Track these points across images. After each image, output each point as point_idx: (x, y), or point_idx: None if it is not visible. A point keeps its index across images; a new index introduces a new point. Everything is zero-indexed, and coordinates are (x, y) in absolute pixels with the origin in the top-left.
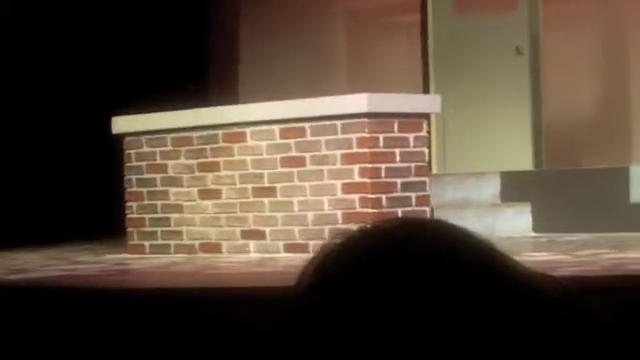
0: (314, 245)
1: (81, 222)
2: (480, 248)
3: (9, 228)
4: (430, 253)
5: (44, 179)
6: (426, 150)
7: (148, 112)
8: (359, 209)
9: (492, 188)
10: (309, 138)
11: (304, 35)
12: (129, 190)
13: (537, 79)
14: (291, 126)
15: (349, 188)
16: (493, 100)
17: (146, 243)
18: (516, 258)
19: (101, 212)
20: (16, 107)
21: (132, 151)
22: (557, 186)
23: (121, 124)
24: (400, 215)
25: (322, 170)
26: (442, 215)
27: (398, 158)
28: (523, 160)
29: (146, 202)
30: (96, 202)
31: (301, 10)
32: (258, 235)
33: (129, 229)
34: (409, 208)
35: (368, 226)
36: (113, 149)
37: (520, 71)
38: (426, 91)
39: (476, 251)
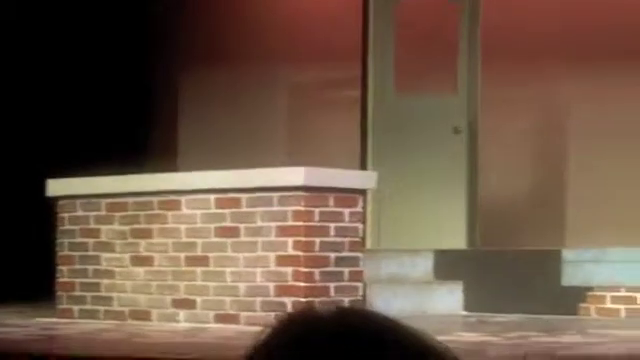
0: (245, 316)
1: (15, 284)
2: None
3: None
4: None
5: None
6: (361, 226)
7: (84, 176)
8: (292, 282)
9: (425, 265)
10: (245, 209)
11: (245, 106)
12: (61, 254)
13: (474, 159)
14: (227, 196)
15: (283, 261)
16: (430, 178)
17: (75, 308)
18: (446, 338)
19: (35, 274)
20: None
21: (65, 214)
22: (489, 266)
23: (55, 187)
24: (334, 291)
25: (256, 241)
26: (375, 290)
27: (333, 232)
28: (457, 238)
29: (77, 266)
30: (31, 264)
31: (243, 81)
32: (189, 304)
33: (59, 293)
34: (342, 283)
35: (306, 313)
36: (49, 211)
37: (457, 151)
38: (364, 167)
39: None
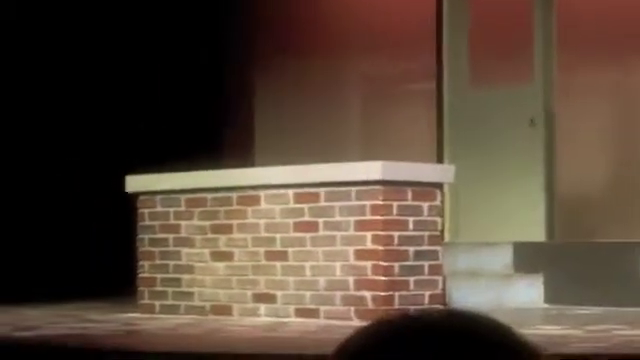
0: (325, 310)
1: (95, 279)
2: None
3: (21, 283)
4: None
5: (57, 234)
6: (439, 219)
7: (162, 172)
8: (371, 276)
9: (504, 258)
10: (323, 203)
11: (319, 100)
12: (141, 249)
13: (551, 151)
14: (305, 191)
15: (362, 255)
16: (507, 170)
17: (157, 303)
18: (527, 331)
19: (115, 270)
20: (32, 161)
21: (145, 210)
22: (569, 258)
23: (135, 183)
24: (413, 285)
25: (335, 236)
26: (454, 284)
27: (411, 226)
28: (536, 231)
29: (158, 262)
30: (110, 260)
31: (316, 75)
32: (269, 299)
33: (140, 288)
34: (422, 277)
35: (411, 315)
36: (129, 207)
37: (534, 142)
38: (440, 160)
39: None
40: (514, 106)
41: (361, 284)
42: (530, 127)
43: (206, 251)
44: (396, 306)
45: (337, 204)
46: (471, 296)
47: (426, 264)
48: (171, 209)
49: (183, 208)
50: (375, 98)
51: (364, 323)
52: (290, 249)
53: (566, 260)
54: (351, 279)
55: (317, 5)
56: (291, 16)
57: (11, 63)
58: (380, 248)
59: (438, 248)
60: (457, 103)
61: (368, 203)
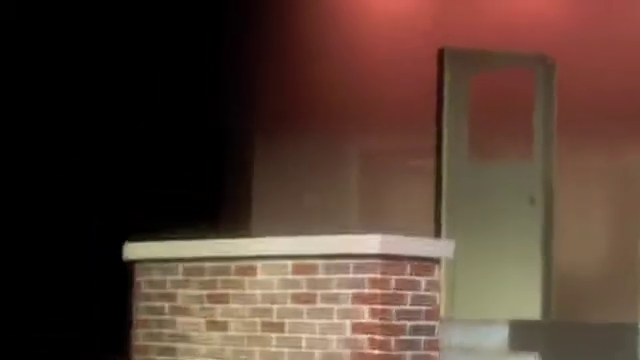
0: None
1: (92, 346)
2: None
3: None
4: None
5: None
6: (437, 294)
7: (160, 238)
8: (368, 350)
9: (500, 336)
10: (320, 276)
11: (317, 175)
12: (137, 317)
13: (549, 229)
14: (303, 262)
15: (358, 328)
16: (504, 247)
17: None
18: None
19: (113, 337)
20: (31, 227)
21: (142, 278)
22: (565, 337)
23: (133, 250)
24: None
25: (332, 308)
26: None
27: (409, 301)
28: (532, 309)
29: (154, 330)
30: (107, 326)
31: (314, 151)
32: None
33: (135, 357)
34: (418, 352)
35: None
36: (126, 275)
37: (533, 220)
38: (437, 235)
39: None
40: (514, 183)
41: (357, 358)
42: (529, 204)
43: (202, 320)
44: None
45: (335, 276)
46: None
47: (423, 339)
48: (168, 277)
49: (180, 277)
50: (374, 172)
51: None
52: (286, 320)
53: (561, 339)
54: (347, 352)
55: (317, 81)
56: (292, 91)
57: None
58: (377, 322)
59: (435, 323)
60: (456, 178)
61: (366, 276)
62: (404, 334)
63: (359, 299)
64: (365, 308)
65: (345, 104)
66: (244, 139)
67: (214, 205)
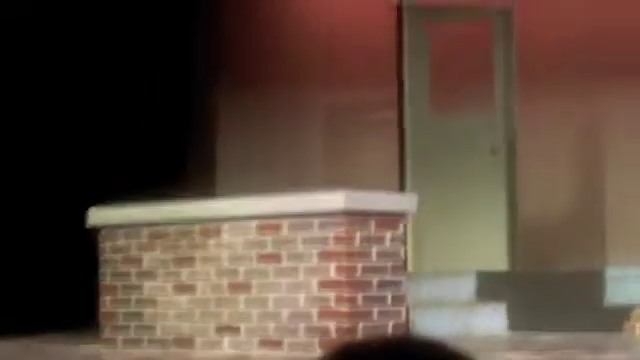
0: (289, 342)
1: (62, 312)
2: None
3: None
4: None
5: (18, 266)
6: (402, 249)
7: (124, 203)
8: (335, 307)
9: (468, 287)
10: (285, 235)
11: (281, 128)
12: (103, 283)
13: (513, 179)
14: (268, 222)
15: (325, 286)
16: (469, 199)
17: (119, 337)
18: (491, 358)
19: (81, 302)
20: None
21: (107, 244)
22: (532, 286)
23: (97, 216)
24: (377, 316)
25: (298, 267)
26: (418, 313)
27: (374, 257)
28: (499, 259)
29: (120, 296)
30: (77, 292)
31: (278, 107)
32: (232, 331)
33: (102, 322)
34: (385, 307)
35: (358, 344)
36: (91, 240)
37: (496, 170)
38: (402, 189)
39: None
40: (476, 135)
41: (325, 315)
42: (491, 155)
43: (169, 284)
44: (360, 337)
45: (300, 235)
46: (435, 325)
47: (389, 294)
48: (133, 241)
49: (145, 240)
50: (337, 128)
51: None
52: (253, 281)
53: (529, 288)
54: (314, 310)
55: (280, 36)
56: (255, 46)
57: None
58: (343, 279)
59: (401, 278)
60: (419, 131)
61: (331, 234)
62: (371, 290)
63: (325, 257)
64: (331, 265)
65: (309, 58)
66: (208, 99)
67: (178, 165)
